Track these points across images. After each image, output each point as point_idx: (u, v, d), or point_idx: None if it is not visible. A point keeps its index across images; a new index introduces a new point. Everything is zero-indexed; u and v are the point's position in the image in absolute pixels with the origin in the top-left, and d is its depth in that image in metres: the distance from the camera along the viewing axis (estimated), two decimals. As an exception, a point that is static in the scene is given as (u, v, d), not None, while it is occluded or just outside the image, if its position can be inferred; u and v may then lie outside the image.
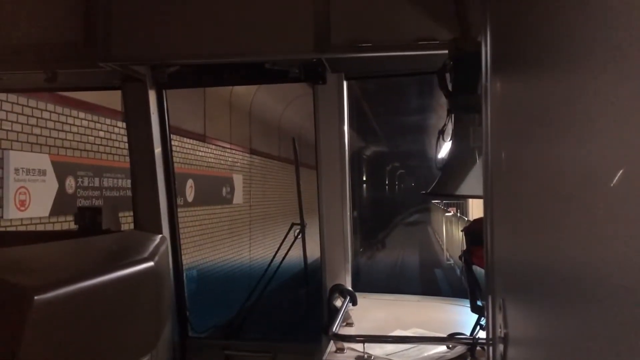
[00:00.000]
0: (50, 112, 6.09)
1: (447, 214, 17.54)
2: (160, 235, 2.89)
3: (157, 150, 3.01)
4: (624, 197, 0.60)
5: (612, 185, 0.63)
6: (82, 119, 6.67)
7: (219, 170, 11.64)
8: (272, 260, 3.49)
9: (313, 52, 2.55)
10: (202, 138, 10.71)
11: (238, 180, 12.55)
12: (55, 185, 6.20)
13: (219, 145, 11.62)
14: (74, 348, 1.88)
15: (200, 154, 10.62)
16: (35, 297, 1.65)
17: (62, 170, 6.29)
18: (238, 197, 12.48)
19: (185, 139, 9.78)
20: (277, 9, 2.57)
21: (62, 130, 6.34)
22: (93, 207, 2.85)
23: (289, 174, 16.33)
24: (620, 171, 0.60)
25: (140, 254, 2.48)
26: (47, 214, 6.05)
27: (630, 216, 0.58)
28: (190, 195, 10.00)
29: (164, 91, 3.04)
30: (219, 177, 11.63)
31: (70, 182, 6.46)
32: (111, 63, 2.66)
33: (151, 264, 2.44)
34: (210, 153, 11.17)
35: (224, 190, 11.81)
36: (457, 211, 17.82)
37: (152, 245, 2.66)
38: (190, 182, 10.02)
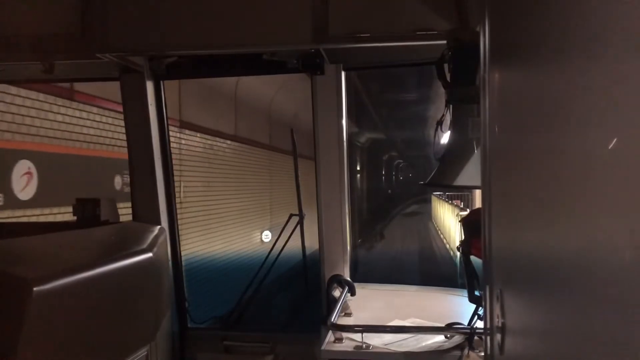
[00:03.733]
0: None
1: (462, 213, 16.00)
2: (158, 227, 2.90)
3: (155, 141, 3.01)
4: (621, 189, 0.60)
5: (610, 176, 0.63)
6: None
7: (105, 149, 7.32)
8: (270, 251, 3.49)
9: (311, 42, 2.55)
10: (64, 92, 6.45)
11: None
12: None
13: (108, 109, 7.24)
14: (73, 339, 1.89)
15: (59, 118, 6.34)
16: (35, 289, 1.65)
17: None
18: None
19: (20, 90, 5.74)
20: (275, 0, 2.56)
21: None
22: (92, 199, 2.85)
23: (253, 158, 13.04)
24: (619, 162, 0.60)
25: (139, 245, 2.49)
26: None
27: (627, 208, 0.58)
28: (23, 189, 5.81)
29: (161, 82, 3.04)
30: (105, 159, 7.30)
31: None
32: (108, 54, 2.65)
33: (150, 255, 2.45)
34: (86, 119, 6.93)
35: (117, 180, 7.49)
36: (461, 203, 17.48)
37: (150, 237, 2.67)
38: (24, 167, 5.81)
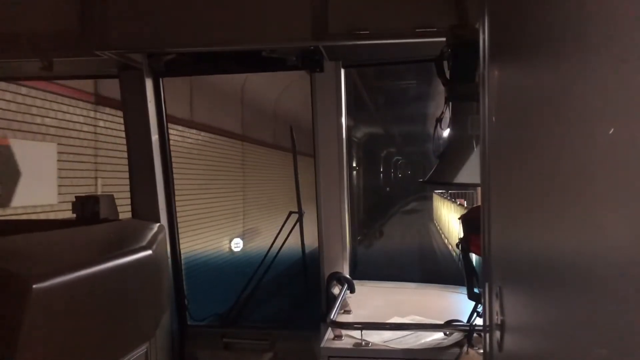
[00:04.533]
0: None
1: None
2: (158, 224, 2.89)
3: (155, 138, 3.01)
4: (621, 186, 0.60)
5: (610, 173, 0.63)
6: None
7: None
8: (269, 249, 3.50)
9: (311, 40, 2.55)
10: None
11: (37, 152, 5.71)
12: None
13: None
14: (73, 336, 1.89)
15: None
16: (34, 286, 1.65)
17: None
18: (34, 191, 5.60)
19: None
20: None
21: None
22: (91, 196, 2.84)
23: (219, 150, 10.99)
24: (619, 159, 0.60)
25: (138, 243, 2.49)
26: None
27: (627, 205, 0.58)
28: None
29: (160, 79, 3.03)
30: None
31: None
32: (107, 51, 2.65)
33: (149, 252, 2.45)
34: None
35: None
36: (464, 202, 17.25)
37: (150, 234, 2.66)
38: None
